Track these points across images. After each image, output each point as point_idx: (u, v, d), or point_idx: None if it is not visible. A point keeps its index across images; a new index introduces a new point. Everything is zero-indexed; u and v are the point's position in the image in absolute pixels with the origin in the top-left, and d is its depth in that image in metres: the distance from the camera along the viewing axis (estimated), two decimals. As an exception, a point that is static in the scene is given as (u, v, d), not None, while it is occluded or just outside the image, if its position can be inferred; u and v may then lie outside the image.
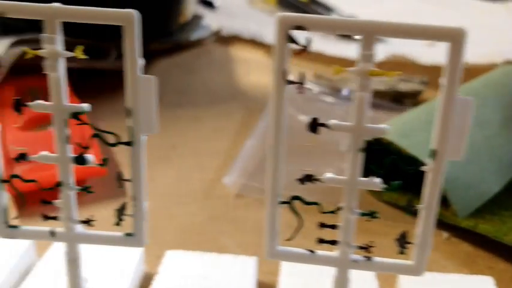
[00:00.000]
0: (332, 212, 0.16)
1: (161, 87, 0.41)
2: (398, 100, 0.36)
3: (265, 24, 0.55)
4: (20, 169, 0.26)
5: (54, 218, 0.17)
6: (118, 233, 0.17)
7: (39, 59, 0.35)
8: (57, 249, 0.21)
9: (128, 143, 0.16)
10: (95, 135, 0.16)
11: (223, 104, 0.38)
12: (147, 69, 0.42)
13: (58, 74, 0.16)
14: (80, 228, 0.17)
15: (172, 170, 0.29)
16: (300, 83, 0.15)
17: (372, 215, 0.16)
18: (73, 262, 0.18)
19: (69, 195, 0.17)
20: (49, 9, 0.15)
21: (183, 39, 0.40)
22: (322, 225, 0.16)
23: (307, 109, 0.35)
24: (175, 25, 0.37)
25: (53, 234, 0.17)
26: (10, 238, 0.18)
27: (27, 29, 0.33)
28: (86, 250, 0.18)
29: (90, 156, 0.17)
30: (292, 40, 0.14)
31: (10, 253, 0.20)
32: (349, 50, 0.45)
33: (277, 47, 0.15)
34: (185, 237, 0.23)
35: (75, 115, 0.16)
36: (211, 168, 0.29)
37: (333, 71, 0.14)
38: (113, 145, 0.16)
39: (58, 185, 0.17)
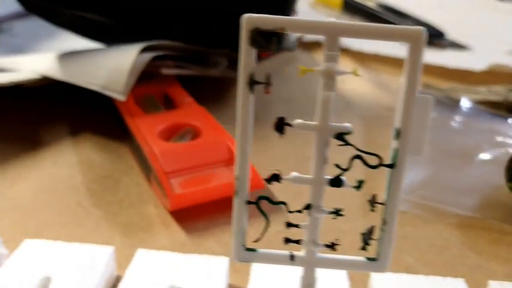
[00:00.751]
0: None
1: (265, 96, 0.40)
2: (513, 111, 0.36)
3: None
4: (176, 181, 0.25)
5: (297, 242, 0.16)
6: (359, 257, 0.17)
7: (154, 67, 0.34)
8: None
9: (390, 165, 0.15)
10: (357, 157, 0.15)
11: (335, 113, 0.37)
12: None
13: (331, 93, 0.15)
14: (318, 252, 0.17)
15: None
16: None
17: None
18: (309, 287, 0.17)
19: (317, 219, 0.16)
20: (331, 25, 0.14)
21: (285, 46, 0.39)
22: None
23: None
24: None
25: (292, 258, 0.17)
26: (247, 262, 0.17)
27: (152, 36, 0.32)
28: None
29: (345, 179, 0.16)
30: None
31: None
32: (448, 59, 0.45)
33: None
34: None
35: (340, 135, 0.15)
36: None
37: None
38: (375, 167, 0.15)
39: (307, 207, 0.16)
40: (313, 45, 0.49)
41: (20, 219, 0.24)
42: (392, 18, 0.56)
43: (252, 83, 0.15)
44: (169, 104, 0.33)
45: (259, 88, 0.15)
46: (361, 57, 0.48)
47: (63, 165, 0.29)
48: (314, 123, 0.15)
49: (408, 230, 0.24)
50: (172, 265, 0.19)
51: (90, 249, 0.20)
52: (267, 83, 0.15)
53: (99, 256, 0.20)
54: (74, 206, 0.25)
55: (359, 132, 0.34)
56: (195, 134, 0.29)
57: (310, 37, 0.49)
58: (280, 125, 0.15)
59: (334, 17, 0.60)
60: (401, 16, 0.57)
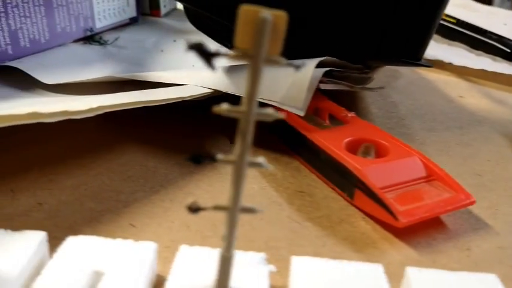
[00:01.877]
0: None
1: (398, 110, 0.40)
2: None
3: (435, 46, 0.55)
4: (392, 195, 0.25)
5: None
6: None
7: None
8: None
9: None
10: None
11: (471, 128, 0.38)
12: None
13: None
14: None
15: (499, 201, 0.29)
16: None
17: None
18: None
19: None
20: None
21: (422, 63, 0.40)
22: None
23: None
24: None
25: None
26: None
27: (325, 51, 0.33)
28: None
29: None
30: None
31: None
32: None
33: None
34: None
35: None
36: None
37: None
38: None
39: None
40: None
41: (246, 234, 0.24)
42: (472, 35, 0.57)
43: None
44: (319, 117, 0.34)
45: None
46: (464, 72, 0.49)
47: (248, 179, 0.29)
48: None
49: None
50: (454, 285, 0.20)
51: (360, 266, 0.20)
52: None
53: (376, 274, 0.20)
54: (286, 220, 0.25)
55: (502, 145, 0.34)
56: (377, 149, 0.29)
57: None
58: None
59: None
60: (481, 33, 0.58)
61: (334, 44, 0.35)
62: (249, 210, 0.17)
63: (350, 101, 0.40)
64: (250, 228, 0.25)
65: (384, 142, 0.29)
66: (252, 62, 0.15)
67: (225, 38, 0.35)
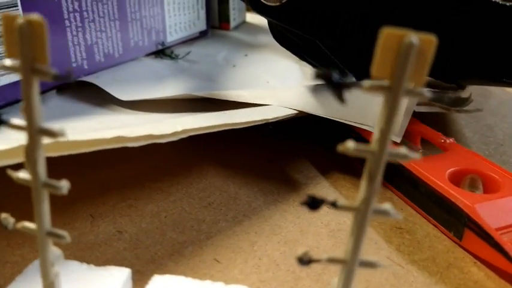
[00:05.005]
0: None
1: (494, 134, 0.37)
2: None
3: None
4: (509, 237, 0.22)
5: None
6: None
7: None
8: None
9: None
10: None
11: None
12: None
13: None
14: None
15: None
16: None
17: None
18: None
19: None
20: None
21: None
22: None
23: None
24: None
25: None
26: None
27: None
28: None
29: None
30: None
31: None
32: None
33: None
34: None
35: None
36: None
37: None
38: None
39: None
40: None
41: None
42: None
43: None
44: (411, 141, 0.31)
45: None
46: None
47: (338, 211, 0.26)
48: None
49: None
50: None
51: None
52: None
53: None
54: (387, 262, 0.23)
55: None
56: (484, 182, 0.26)
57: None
58: None
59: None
60: None
61: (435, 63, 0.32)
62: (369, 265, 0.15)
63: (442, 124, 0.36)
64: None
65: (492, 174, 0.26)
66: (391, 94, 0.12)
67: (309, 54, 0.33)
